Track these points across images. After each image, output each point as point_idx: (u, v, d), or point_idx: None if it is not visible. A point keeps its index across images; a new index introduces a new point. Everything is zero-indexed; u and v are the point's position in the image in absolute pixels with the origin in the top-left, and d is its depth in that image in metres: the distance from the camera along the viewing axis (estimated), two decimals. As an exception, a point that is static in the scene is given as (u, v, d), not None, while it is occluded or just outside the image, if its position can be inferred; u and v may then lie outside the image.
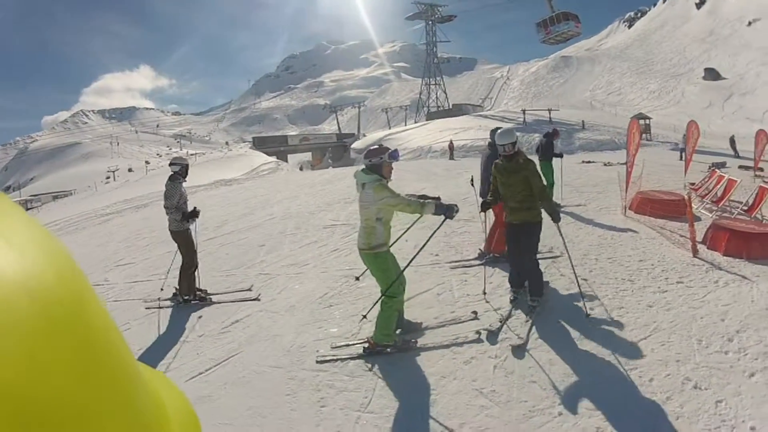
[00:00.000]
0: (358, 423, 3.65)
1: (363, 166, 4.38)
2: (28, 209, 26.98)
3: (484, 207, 5.23)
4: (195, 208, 6.24)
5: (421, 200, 4.23)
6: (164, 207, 6.12)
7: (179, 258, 6.22)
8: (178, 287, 6.22)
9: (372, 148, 4.46)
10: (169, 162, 6.43)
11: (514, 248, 5.16)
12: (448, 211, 4.15)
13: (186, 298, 6.16)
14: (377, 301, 4.51)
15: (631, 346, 4.35)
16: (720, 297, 5.24)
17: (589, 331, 4.62)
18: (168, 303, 6.18)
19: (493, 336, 4.56)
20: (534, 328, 4.73)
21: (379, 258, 4.30)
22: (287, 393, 4.06)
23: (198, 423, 0.60)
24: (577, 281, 5.20)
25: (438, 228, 4.74)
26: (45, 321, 0.35)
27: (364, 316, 4.77)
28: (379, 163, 4.25)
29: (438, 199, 4.39)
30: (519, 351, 4.35)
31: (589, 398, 3.73)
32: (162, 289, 6.29)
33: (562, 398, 3.75)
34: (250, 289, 6.43)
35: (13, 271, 0.34)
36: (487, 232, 6.51)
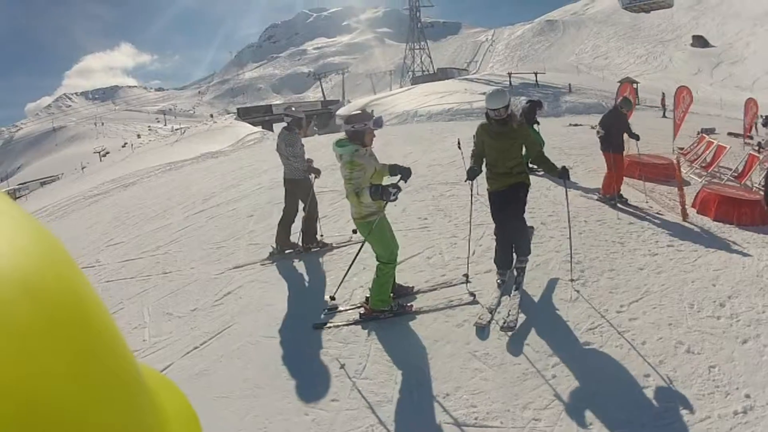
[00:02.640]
0: (354, 389, 3.67)
1: (340, 136, 4.21)
2: (16, 198, 26.51)
3: (470, 175, 4.79)
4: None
5: (367, 186, 4.05)
6: (285, 156, 6.08)
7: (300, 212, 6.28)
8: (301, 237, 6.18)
9: (354, 113, 4.31)
10: (283, 113, 6.45)
11: (502, 218, 4.74)
12: (384, 194, 4.01)
13: (284, 249, 6.12)
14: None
15: (623, 309, 4.39)
16: (711, 262, 5.27)
17: (580, 293, 4.65)
18: (266, 260, 6.08)
19: (482, 330, 4.24)
20: (524, 290, 4.71)
21: (372, 226, 4.22)
22: (282, 363, 4.06)
23: (198, 423, 0.59)
24: (570, 243, 4.99)
25: (384, 206, 4.31)
26: (46, 322, 0.34)
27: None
28: (362, 130, 4.09)
29: (408, 170, 4.24)
30: (508, 330, 4.16)
31: (582, 360, 3.77)
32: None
33: (555, 361, 3.78)
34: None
35: (12, 271, 0.34)
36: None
